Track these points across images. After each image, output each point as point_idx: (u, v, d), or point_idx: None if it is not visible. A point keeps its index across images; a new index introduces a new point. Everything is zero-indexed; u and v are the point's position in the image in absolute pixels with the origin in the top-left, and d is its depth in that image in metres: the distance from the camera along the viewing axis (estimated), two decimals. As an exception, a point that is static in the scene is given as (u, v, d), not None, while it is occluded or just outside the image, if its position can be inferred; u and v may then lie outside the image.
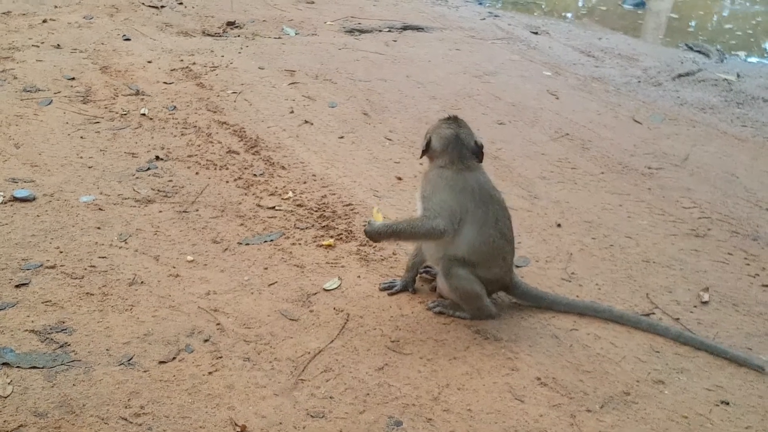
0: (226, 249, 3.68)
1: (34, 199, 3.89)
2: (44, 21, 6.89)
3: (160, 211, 3.93)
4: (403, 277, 3.50)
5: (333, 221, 3.99)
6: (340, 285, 3.46)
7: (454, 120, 3.32)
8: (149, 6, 7.72)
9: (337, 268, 3.60)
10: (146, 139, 4.73)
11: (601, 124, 5.72)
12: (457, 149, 3.23)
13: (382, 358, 3.01)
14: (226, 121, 5.09)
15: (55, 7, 7.42)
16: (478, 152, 3.28)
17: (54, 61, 5.87)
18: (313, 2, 8.38)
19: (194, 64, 6.15)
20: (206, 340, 3.01)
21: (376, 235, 3.22)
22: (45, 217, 3.76)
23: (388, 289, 3.48)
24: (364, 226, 3.32)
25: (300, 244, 3.78)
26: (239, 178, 4.36)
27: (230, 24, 7.43)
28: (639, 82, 6.92)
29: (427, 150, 3.30)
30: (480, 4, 9.35)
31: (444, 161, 3.24)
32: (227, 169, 4.46)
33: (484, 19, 8.54)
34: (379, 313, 3.29)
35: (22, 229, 3.63)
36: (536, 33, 8.13)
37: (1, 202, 3.83)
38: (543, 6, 10.58)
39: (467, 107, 5.84)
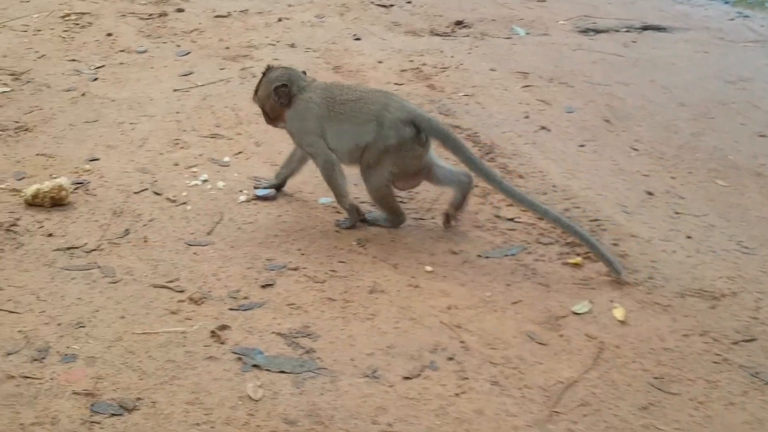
0: (465, 261, 3.49)
1: (275, 198, 3.94)
2: (279, 20, 7.11)
3: (397, 217, 3.83)
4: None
5: (579, 237, 3.67)
6: (591, 309, 3.16)
7: (269, 68, 3.74)
8: (378, 5, 7.77)
9: (586, 290, 3.30)
10: (380, 141, 4.67)
11: None
12: (296, 78, 3.64)
13: (645, 396, 2.70)
14: (459, 125, 4.90)
15: (289, 6, 7.64)
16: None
17: (289, 59, 5.98)
18: (544, 0, 8.05)
19: (424, 64, 6.05)
20: (450, 358, 2.84)
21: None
22: (286, 217, 3.78)
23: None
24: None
25: (543, 260, 3.51)
26: (475, 185, 4.16)
27: (458, 23, 7.27)
28: None
29: (282, 99, 3.61)
30: (726, 3, 8.51)
31: (292, 98, 3.61)
32: (462, 175, 4.28)
33: (732, 19, 7.72)
34: (638, 344, 2.97)
35: (265, 228, 3.68)
36: (796, 34, 7.22)
37: (245, 200, 3.91)
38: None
39: (721, 116, 5.24)
